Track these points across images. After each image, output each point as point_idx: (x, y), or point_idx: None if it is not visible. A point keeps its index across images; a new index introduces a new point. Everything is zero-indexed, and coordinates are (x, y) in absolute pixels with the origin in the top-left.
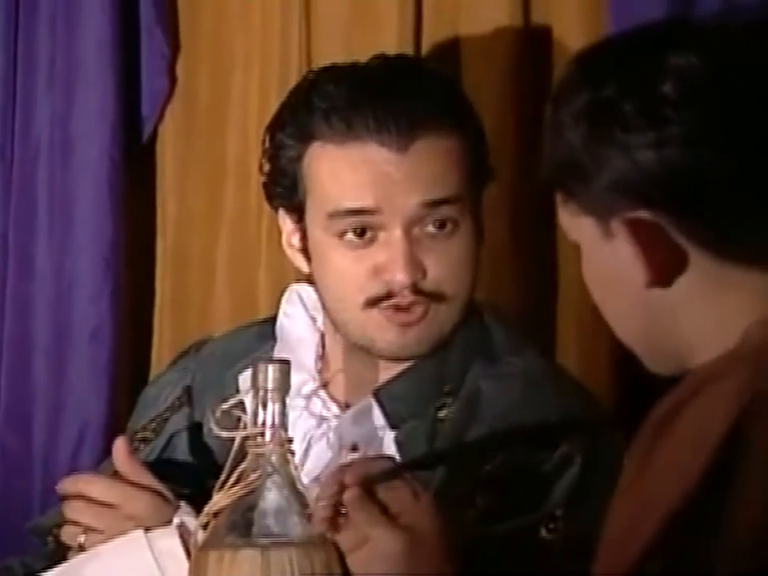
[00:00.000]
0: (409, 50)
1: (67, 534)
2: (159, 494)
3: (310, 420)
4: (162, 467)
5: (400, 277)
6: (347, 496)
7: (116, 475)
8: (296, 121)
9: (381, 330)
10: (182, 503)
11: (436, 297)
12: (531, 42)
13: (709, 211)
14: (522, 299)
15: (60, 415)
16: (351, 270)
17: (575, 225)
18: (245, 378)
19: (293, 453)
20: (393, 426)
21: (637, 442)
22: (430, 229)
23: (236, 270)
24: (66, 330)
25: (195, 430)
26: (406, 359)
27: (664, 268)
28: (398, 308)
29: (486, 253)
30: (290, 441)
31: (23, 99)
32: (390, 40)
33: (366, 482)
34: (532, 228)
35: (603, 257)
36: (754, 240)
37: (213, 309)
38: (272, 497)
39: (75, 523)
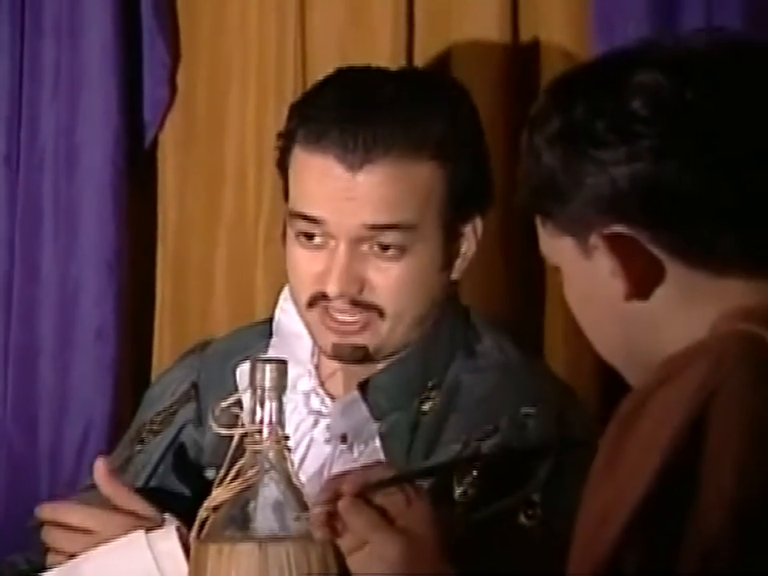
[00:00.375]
0: (402, 61)
1: (51, 560)
2: (137, 513)
3: (308, 417)
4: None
5: (331, 288)
6: (342, 504)
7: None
8: (288, 122)
9: (320, 332)
10: (167, 515)
11: (374, 310)
12: (519, 53)
13: (682, 223)
14: (512, 306)
15: (65, 414)
16: (302, 268)
17: (555, 247)
18: (242, 371)
19: (289, 449)
20: (376, 417)
21: (606, 436)
22: (376, 249)
23: (234, 274)
24: (70, 331)
25: (200, 423)
26: (350, 362)
27: (642, 280)
28: (332, 316)
29: (477, 262)
30: (287, 438)
31: (29, 108)
32: (384, 51)
33: (363, 490)
34: (520, 237)
35: (583, 274)
36: (727, 250)
37: (212, 311)
38: (269, 492)
39: (56, 550)
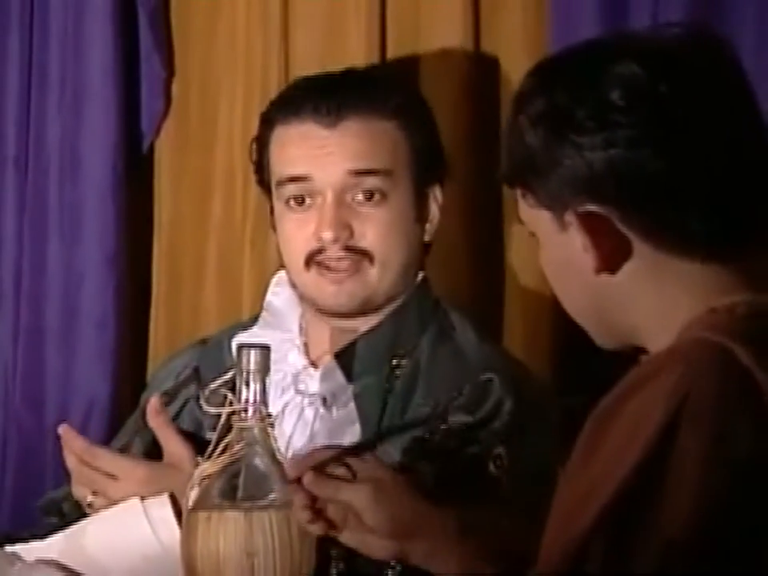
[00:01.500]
0: None
1: (77, 492)
2: (154, 465)
3: (296, 397)
4: None
5: (327, 234)
6: (306, 480)
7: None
8: (266, 115)
9: (318, 288)
10: (199, 458)
11: (364, 255)
12: (480, 62)
13: (651, 206)
14: (473, 290)
15: (70, 395)
16: (295, 234)
17: (533, 217)
18: (239, 342)
19: (272, 426)
20: (350, 380)
21: (583, 432)
22: (360, 198)
23: (223, 269)
24: (74, 320)
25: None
26: (346, 315)
27: (611, 257)
28: (329, 267)
29: (441, 250)
30: (270, 416)
31: (37, 117)
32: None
33: (318, 465)
34: (481, 227)
35: (558, 246)
36: (694, 234)
37: (202, 303)
38: (254, 465)
39: (78, 483)
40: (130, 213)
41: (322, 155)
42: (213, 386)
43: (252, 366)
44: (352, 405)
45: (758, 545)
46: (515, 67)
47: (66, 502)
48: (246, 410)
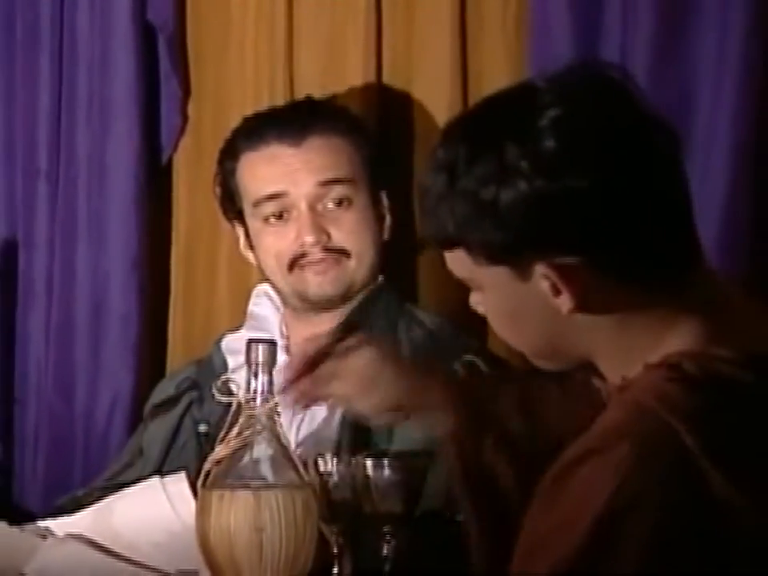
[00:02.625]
0: (372, 87)
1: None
2: None
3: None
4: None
5: (308, 238)
6: (300, 386)
7: None
8: (228, 148)
9: (305, 283)
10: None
11: (342, 252)
12: (466, 80)
13: (606, 248)
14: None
15: (97, 385)
16: (277, 244)
17: (481, 273)
18: (227, 343)
19: (279, 414)
20: None
21: (540, 489)
22: (330, 205)
23: (234, 271)
24: (101, 317)
25: (200, 403)
26: (328, 306)
27: (584, 297)
28: (310, 261)
29: (429, 255)
30: (277, 404)
31: (66, 132)
32: (357, 81)
33: (310, 365)
34: None
35: (513, 296)
36: (646, 266)
37: (215, 302)
38: (262, 449)
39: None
40: (151, 220)
41: (292, 172)
42: (223, 378)
43: (260, 359)
44: None
45: None
46: (498, 83)
47: (88, 498)
48: (254, 399)
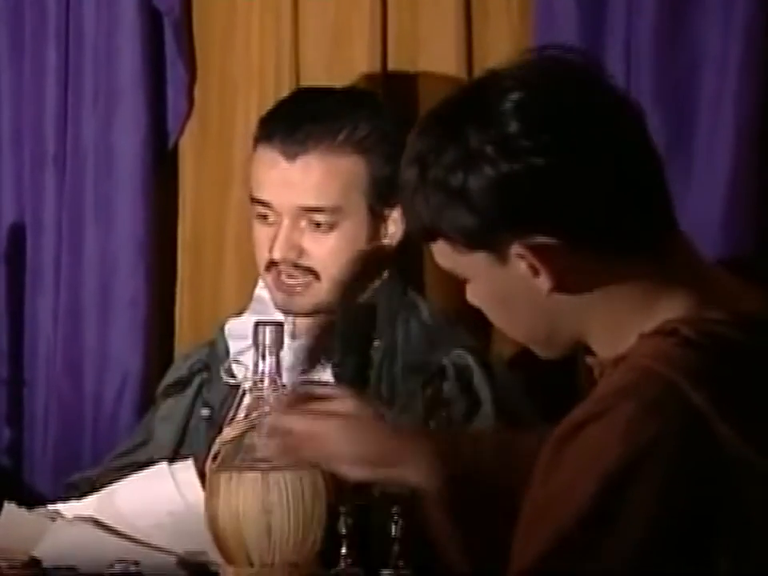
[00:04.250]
0: (376, 75)
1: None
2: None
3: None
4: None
5: (275, 253)
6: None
7: None
8: (256, 128)
9: (272, 291)
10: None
11: (311, 274)
12: (472, 67)
13: (583, 223)
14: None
15: (105, 367)
16: (260, 240)
17: (462, 261)
18: (231, 328)
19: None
20: (329, 359)
21: (543, 454)
22: (312, 225)
23: (241, 253)
24: (109, 299)
25: (210, 383)
26: (296, 316)
27: (562, 275)
28: (281, 279)
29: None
30: (284, 386)
31: (73, 118)
32: (362, 69)
33: (297, 402)
34: None
35: (497, 280)
36: (626, 235)
37: (222, 284)
38: None
39: None
40: (158, 203)
41: (281, 186)
42: (231, 359)
43: (268, 341)
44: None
45: None
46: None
47: (100, 481)
48: (262, 381)
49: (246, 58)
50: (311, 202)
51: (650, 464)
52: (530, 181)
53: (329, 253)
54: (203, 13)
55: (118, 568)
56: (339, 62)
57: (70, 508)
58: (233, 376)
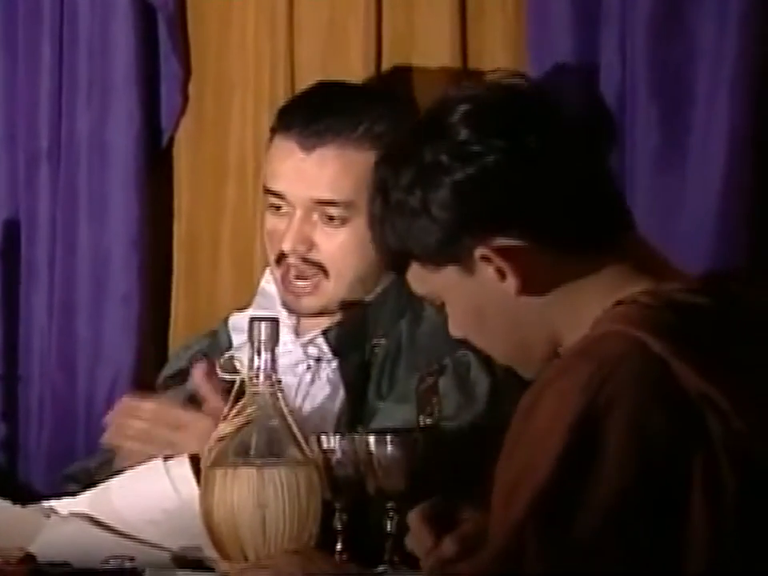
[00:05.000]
0: (370, 72)
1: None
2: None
3: (307, 361)
4: None
5: (285, 245)
6: None
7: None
8: (275, 118)
9: (281, 288)
10: None
11: (320, 268)
12: (467, 65)
13: (537, 221)
14: None
15: (98, 363)
16: (271, 231)
17: (436, 281)
18: (234, 321)
19: (282, 391)
20: (335, 355)
21: (511, 425)
22: (324, 218)
23: (237, 249)
24: (102, 296)
25: None
26: (302, 316)
27: (528, 275)
28: (291, 280)
29: None
30: (279, 381)
31: (67, 114)
32: (357, 65)
33: None
34: None
35: (470, 293)
36: (582, 231)
37: (218, 281)
38: (265, 426)
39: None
40: (152, 199)
41: (296, 178)
42: (226, 355)
43: (263, 337)
44: (337, 375)
45: (672, 523)
46: (499, 66)
47: (100, 471)
48: (257, 377)
49: (241, 54)
50: (325, 195)
51: (617, 407)
52: (483, 183)
53: (339, 248)
54: (198, 9)
55: (112, 564)
56: (334, 58)
57: (64, 504)
58: (233, 370)
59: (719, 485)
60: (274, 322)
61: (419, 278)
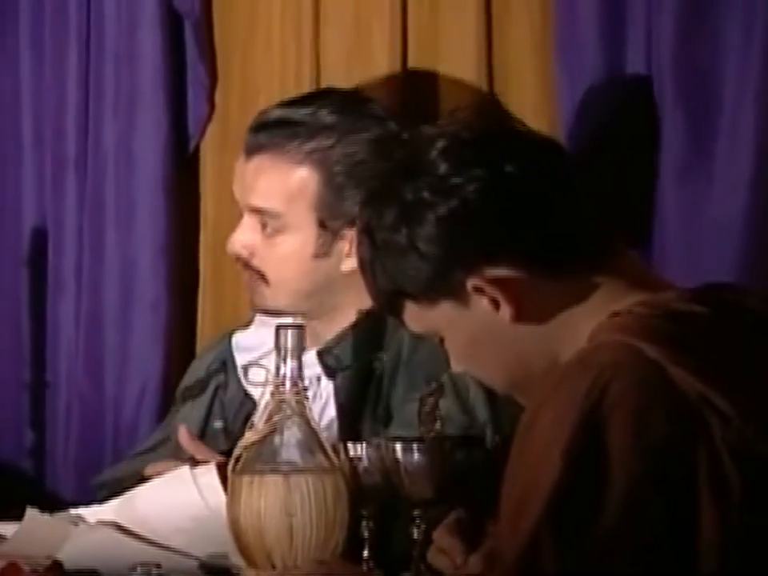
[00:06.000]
0: (396, 79)
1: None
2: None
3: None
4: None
5: (228, 248)
6: None
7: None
8: None
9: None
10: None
11: (260, 276)
12: (492, 63)
13: (524, 247)
14: None
15: (126, 371)
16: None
17: (432, 317)
18: (237, 340)
19: (308, 398)
20: (329, 375)
21: (514, 441)
22: (261, 226)
23: None
24: (130, 303)
25: (225, 387)
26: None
27: (521, 302)
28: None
29: None
30: (306, 389)
31: (95, 122)
32: (382, 67)
33: None
34: None
35: (466, 324)
36: (568, 257)
37: (243, 288)
38: (291, 433)
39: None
40: (179, 207)
41: (239, 182)
42: (253, 365)
43: (289, 345)
44: (331, 398)
45: (682, 521)
46: (524, 66)
47: (126, 481)
48: (283, 385)
49: (266, 61)
50: (256, 203)
51: (619, 413)
52: (467, 214)
53: (274, 258)
54: (223, 14)
55: (140, 571)
56: (359, 60)
57: (92, 512)
58: (251, 381)
59: (724, 483)
60: (301, 329)
61: (415, 317)
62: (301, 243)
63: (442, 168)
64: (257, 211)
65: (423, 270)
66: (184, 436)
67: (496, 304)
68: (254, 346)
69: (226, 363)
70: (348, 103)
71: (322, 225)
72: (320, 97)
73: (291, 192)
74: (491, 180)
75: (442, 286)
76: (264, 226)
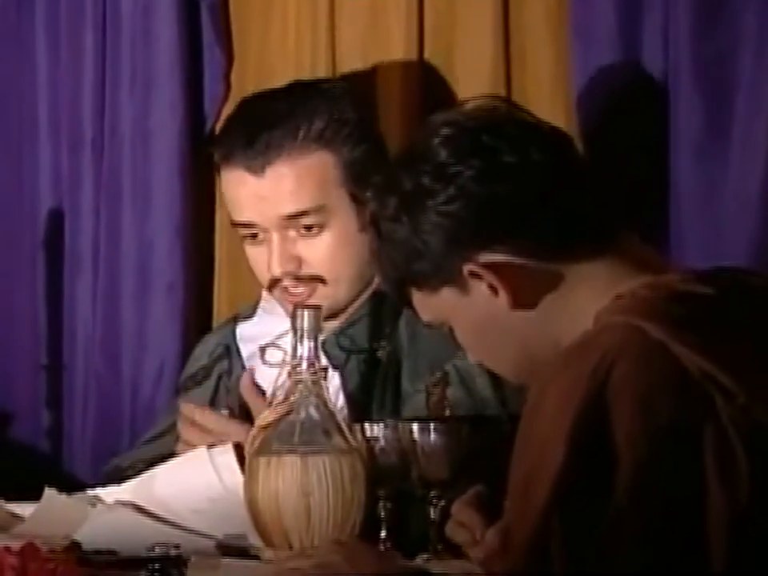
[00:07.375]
0: (413, 67)
1: (180, 448)
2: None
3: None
4: None
5: (274, 270)
6: None
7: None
8: (213, 151)
9: (283, 304)
10: None
11: (316, 280)
12: (509, 52)
13: (521, 231)
14: None
15: (143, 352)
16: (257, 260)
17: (438, 304)
18: (240, 330)
19: (325, 378)
20: (334, 367)
21: (521, 422)
22: (302, 230)
23: None
24: (146, 284)
25: (230, 374)
26: None
27: (519, 288)
28: (288, 291)
29: None
30: (324, 369)
31: (111, 103)
32: (398, 53)
33: None
34: None
35: (468, 310)
36: (565, 240)
37: None
38: (308, 414)
39: (187, 442)
40: (195, 188)
41: (257, 202)
42: (270, 345)
43: (306, 325)
44: (339, 392)
45: (690, 500)
46: (541, 56)
47: (131, 470)
48: (300, 365)
49: (282, 42)
50: (292, 209)
51: (624, 392)
52: (465, 201)
53: (326, 254)
54: None
55: (158, 551)
56: (375, 45)
57: (109, 493)
58: (268, 362)
59: (731, 461)
60: (317, 309)
61: (422, 305)
62: (345, 224)
63: (442, 155)
64: (293, 218)
65: (425, 258)
66: (246, 382)
67: (494, 290)
68: (259, 335)
69: (229, 349)
70: (315, 84)
71: (354, 199)
72: (291, 88)
73: (319, 180)
74: (489, 168)
75: (442, 273)
76: (306, 228)
